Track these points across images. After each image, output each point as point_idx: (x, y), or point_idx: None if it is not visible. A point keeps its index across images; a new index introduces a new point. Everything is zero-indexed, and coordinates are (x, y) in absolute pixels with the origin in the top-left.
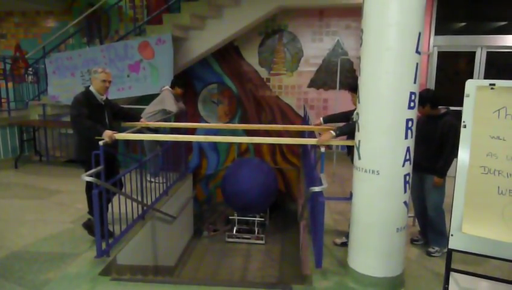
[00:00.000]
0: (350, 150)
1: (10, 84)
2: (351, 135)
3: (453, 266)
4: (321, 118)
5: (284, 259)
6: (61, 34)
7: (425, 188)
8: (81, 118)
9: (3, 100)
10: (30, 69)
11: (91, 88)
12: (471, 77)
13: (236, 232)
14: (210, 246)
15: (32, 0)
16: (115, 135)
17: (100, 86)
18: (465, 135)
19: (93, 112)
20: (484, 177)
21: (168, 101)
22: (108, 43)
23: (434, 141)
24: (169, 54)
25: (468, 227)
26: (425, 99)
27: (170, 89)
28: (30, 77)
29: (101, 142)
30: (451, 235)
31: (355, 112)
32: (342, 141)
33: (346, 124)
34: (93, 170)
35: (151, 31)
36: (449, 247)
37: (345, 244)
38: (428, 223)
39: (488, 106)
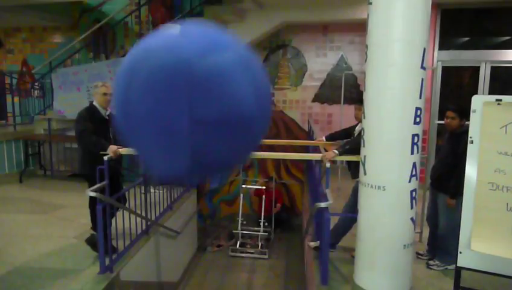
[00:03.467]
0: (350, 165)
1: (16, 99)
2: (353, 151)
3: (461, 284)
4: (323, 137)
5: (289, 275)
6: (68, 50)
7: (438, 206)
8: (86, 134)
9: (9, 114)
10: (36, 83)
11: (95, 103)
12: (476, 92)
13: (239, 246)
14: (214, 261)
15: (39, 16)
16: (119, 149)
17: (102, 100)
18: (472, 150)
19: (98, 127)
20: (492, 194)
21: None
22: (114, 58)
23: (449, 159)
24: None
25: (477, 244)
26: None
27: None
28: (36, 92)
29: (105, 157)
30: (460, 252)
31: (357, 127)
32: (348, 157)
33: (348, 141)
34: (97, 185)
35: None
36: (458, 265)
37: None
38: (437, 239)
39: (495, 122)
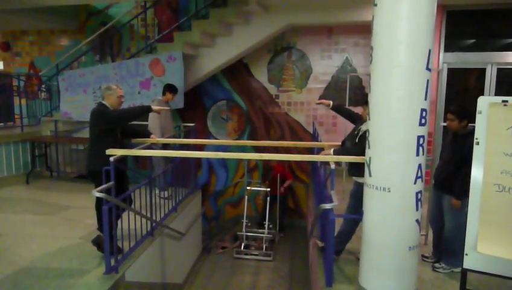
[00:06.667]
0: (351, 163)
1: (24, 101)
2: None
3: (467, 286)
4: (331, 102)
5: (294, 277)
6: (74, 52)
7: (443, 208)
8: (118, 113)
9: (16, 116)
10: (43, 86)
11: (104, 103)
12: (482, 94)
13: (244, 248)
14: (218, 262)
15: (47, 20)
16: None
17: (117, 102)
18: (478, 152)
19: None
20: (499, 195)
21: (150, 120)
22: (120, 61)
23: (454, 160)
24: (180, 71)
25: (484, 246)
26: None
27: (160, 98)
28: (43, 94)
29: (111, 158)
30: (466, 254)
31: (362, 126)
32: (352, 158)
33: (341, 148)
34: (103, 186)
35: (162, 49)
36: (463, 267)
37: None
38: (443, 241)
39: (501, 123)
